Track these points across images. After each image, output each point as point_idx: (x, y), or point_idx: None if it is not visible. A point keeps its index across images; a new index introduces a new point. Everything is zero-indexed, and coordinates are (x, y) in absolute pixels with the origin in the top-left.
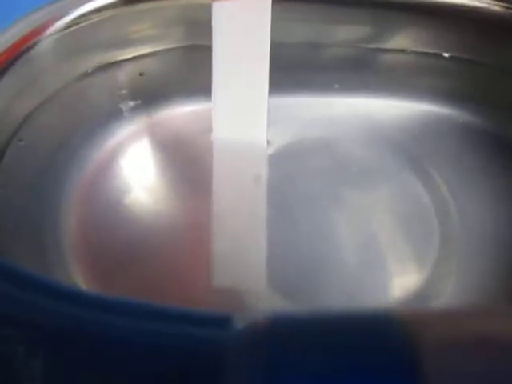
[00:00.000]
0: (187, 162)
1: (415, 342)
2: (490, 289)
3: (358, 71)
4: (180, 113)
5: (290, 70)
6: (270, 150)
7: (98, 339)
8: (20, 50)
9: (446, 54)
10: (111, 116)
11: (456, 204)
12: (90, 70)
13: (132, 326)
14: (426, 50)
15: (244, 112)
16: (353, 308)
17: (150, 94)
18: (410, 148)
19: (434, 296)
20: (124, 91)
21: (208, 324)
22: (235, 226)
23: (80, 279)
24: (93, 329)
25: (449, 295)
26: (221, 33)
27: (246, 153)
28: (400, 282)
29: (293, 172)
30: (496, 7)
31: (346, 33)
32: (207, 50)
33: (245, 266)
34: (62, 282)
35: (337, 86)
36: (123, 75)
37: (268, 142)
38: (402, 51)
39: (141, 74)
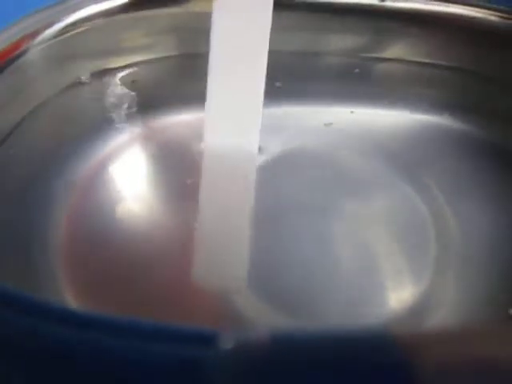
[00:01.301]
0: (180, 172)
1: (413, 365)
2: (489, 301)
3: (354, 80)
4: (173, 122)
5: (285, 78)
6: (262, 158)
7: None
8: (9, 58)
9: (443, 64)
10: (103, 125)
11: (454, 215)
12: (81, 79)
13: (116, 345)
14: (423, 59)
15: (237, 119)
16: (351, 327)
17: (142, 103)
18: (407, 158)
19: (432, 308)
20: (116, 100)
21: (194, 342)
22: (221, 237)
23: (68, 293)
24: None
25: (446, 307)
26: (219, 39)
27: (237, 160)
28: (397, 294)
29: (285, 181)
30: (493, 17)
31: (342, 42)
32: (201, 58)
33: (230, 277)
34: (49, 295)
35: (332, 94)
36: (115, 83)
37: (260, 149)
38: (399, 61)
39: (133, 82)
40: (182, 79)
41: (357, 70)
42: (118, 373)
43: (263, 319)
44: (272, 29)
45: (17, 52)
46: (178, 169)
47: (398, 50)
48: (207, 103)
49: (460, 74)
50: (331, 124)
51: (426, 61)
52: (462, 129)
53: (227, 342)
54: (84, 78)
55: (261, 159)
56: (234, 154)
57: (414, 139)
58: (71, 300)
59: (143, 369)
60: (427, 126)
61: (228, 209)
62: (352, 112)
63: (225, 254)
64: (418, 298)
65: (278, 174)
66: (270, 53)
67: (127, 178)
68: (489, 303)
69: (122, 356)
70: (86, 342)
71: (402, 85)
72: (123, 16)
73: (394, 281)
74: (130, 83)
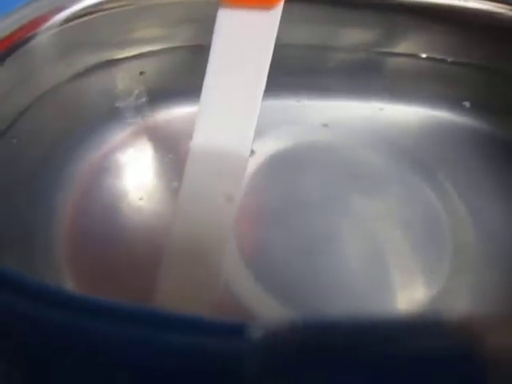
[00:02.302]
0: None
1: (477, 352)
2: (505, 302)
3: (366, 75)
4: (181, 114)
5: (294, 72)
6: (272, 152)
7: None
8: (15, 44)
9: (457, 60)
10: (109, 116)
11: (468, 213)
12: (88, 68)
13: (137, 337)
14: (436, 55)
15: (231, 119)
16: (389, 313)
17: (150, 94)
18: (419, 154)
19: (446, 309)
20: (123, 91)
21: (221, 333)
22: (193, 254)
23: (71, 284)
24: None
25: (462, 308)
26: (221, 37)
27: (225, 162)
28: (408, 294)
29: (292, 178)
30: None
31: (353, 36)
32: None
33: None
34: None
35: (343, 89)
36: (123, 74)
37: (252, 152)
38: (412, 56)
39: (141, 73)
40: (192, 71)
41: (368, 65)
42: (144, 366)
43: (264, 311)
44: (282, 21)
45: (24, 38)
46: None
47: (412, 44)
48: (202, 99)
49: (476, 70)
50: (341, 119)
51: (441, 57)
52: (477, 125)
53: (257, 332)
54: (91, 67)
55: (271, 153)
56: (223, 155)
57: (427, 135)
58: (73, 288)
59: (170, 362)
60: (441, 122)
61: (208, 218)
62: (363, 107)
63: (195, 275)
64: (432, 298)
65: (285, 169)
66: (280, 46)
67: (134, 168)
68: (506, 304)
69: (148, 348)
70: (115, 333)
71: (415, 80)
72: (133, 4)
73: (406, 280)
74: (137, 74)
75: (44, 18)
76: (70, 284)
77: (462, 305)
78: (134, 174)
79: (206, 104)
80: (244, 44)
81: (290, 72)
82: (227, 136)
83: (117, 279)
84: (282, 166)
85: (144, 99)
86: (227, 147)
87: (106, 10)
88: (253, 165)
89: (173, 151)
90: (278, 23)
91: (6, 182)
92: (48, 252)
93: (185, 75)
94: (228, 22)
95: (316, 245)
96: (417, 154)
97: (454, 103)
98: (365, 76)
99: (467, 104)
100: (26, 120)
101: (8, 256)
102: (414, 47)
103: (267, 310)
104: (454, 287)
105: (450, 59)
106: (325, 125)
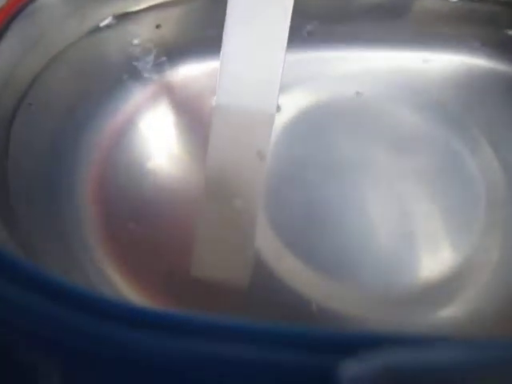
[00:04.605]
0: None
1: None
2: None
3: (393, 20)
4: (202, 69)
5: (315, 20)
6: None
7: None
8: (22, 3)
9: None
10: (127, 75)
11: (503, 169)
12: (101, 23)
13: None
14: None
15: (255, 77)
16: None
17: (168, 49)
18: (452, 106)
19: (479, 268)
20: (140, 47)
21: (312, 363)
22: (223, 226)
23: (97, 248)
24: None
25: (495, 265)
26: None
27: (251, 121)
28: (438, 254)
29: (317, 135)
30: None
31: None
32: None
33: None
34: (75, 243)
35: (369, 37)
36: (138, 28)
37: (279, 108)
38: None
39: (157, 27)
40: (210, 21)
41: (396, 9)
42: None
43: (298, 281)
44: None
45: None
46: (210, 120)
47: None
48: (222, 55)
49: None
50: (368, 71)
51: None
52: None
53: (349, 370)
54: (104, 23)
55: (298, 108)
56: (249, 113)
57: (460, 85)
58: (98, 252)
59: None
60: (476, 70)
61: (240, 176)
62: (391, 58)
63: (228, 246)
64: (461, 258)
65: (312, 126)
66: None
67: (155, 129)
68: None
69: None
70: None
71: (447, 24)
72: None
73: (435, 240)
74: (154, 28)
75: None
76: (94, 242)
77: (492, 261)
78: (157, 135)
79: (227, 60)
80: None
81: (307, 19)
82: (252, 93)
83: (146, 244)
84: (309, 122)
85: (162, 55)
86: (253, 105)
87: None
88: (279, 120)
89: (196, 108)
90: None
91: (27, 149)
92: (74, 216)
93: (203, 26)
94: None
95: (342, 200)
96: (450, 107)
97: (492, 49)
98: (392, 21)
99: (507, 49)
100: (41, 84)
101: (34, 218)
102: None
103: (285, 264)
104: (484, 244)
105: None
106: (348, 78)
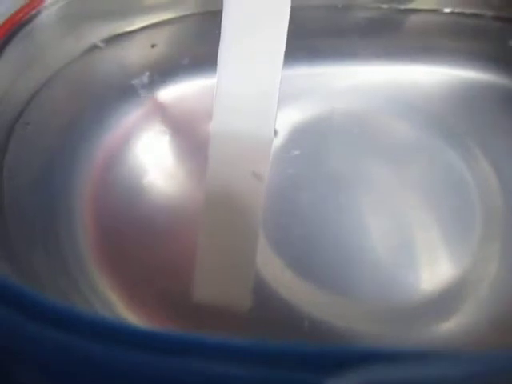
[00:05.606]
0: (206, 141)
1: None
2: None
3: (385, 35)
4: (197, 87)
5: (308, 36)
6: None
7: None
8: (20, 22)
9: (485, 14)
10: (123, 93)
11: (498, 178)
12: (98, 43)
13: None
14: (462, 9)
15: (251, 99)
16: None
17: (163, 68)
18: (446, 119)
19: (477, 280)
20: (135, 66)
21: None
22: (224, 249)
23: (93, 264)
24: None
25: (492, 278)
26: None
27: (249, 147)
28: (436, 266)
29: (313, 148)
30: None
31: None
32: None
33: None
34: (72, 261)
35: (361, 52)
36: (133, 48)
37: (276, 131)
38: (435, 11)
39: (153, 46)
40: (204, 40)
41: (388, 24)
42: None
43: (293, 292)
44: None
45: (28, 15)
46: (205, 137)
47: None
48: (218, 77)
49: (505, 24)
50: (361, 85)
51: (467, 11)
52: (506, 85)
53: None
54: (101, 42)
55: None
56: (246, 137)
57: (453, 98)
58: (94, 268)
59: None
60: (467, 83)
61: (238, 198)
62: (385, 71)
63: (229, 270)
64: (463, 269)
65: (303, 140)
66: (293, 9)
67: (151, 148)
68: None
69: None
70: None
71: (439, 39)
72: None
73: (432, 251)
74: (149, 47)
75: None
76: (94, 264)
77: (491, 274)
78: (152, 153)
79: (223, 83)
80: (258, 7)
81: (299, 35)
82: (249, 119)
83: (143, 263)
84: (306, 137)
85: (157, 74)
86: (250, 130)
87: None
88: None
89: (192, 127)
90: None
91: (23, 170)
92: (70, 235)
93: (197, 45)
94: None
95: (339, 216)
96: (443, 118)
97: (483, 63)
98: (384, 36)
99: (497, 63)
100: (38, 104)
101: (31, 236)
102: (437, 1)
103: (286, 283)
104: (483, 256)
105: (479, 14)
106: (341, 92)
